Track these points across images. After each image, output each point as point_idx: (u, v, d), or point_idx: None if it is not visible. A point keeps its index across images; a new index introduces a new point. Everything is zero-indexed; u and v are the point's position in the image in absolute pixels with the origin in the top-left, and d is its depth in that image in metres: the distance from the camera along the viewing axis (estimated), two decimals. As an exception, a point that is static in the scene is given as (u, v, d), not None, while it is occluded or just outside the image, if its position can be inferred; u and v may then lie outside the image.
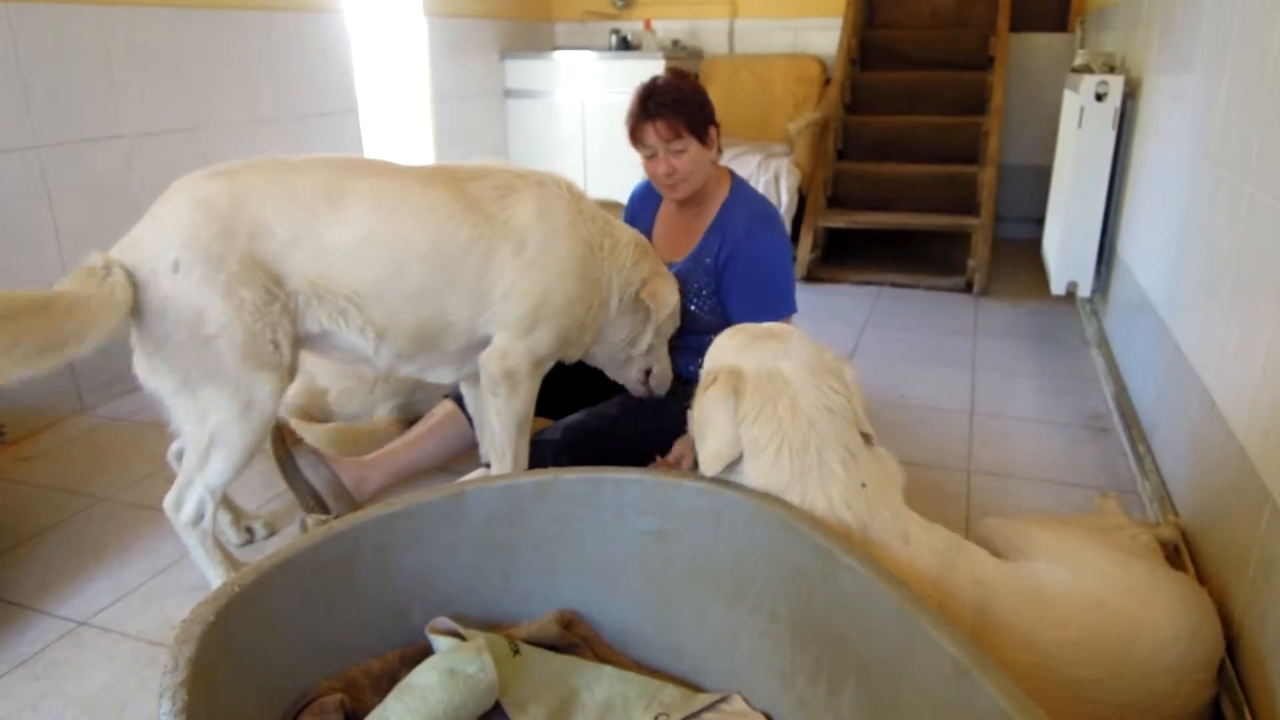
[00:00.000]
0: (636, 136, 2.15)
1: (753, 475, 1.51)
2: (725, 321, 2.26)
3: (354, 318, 1.86)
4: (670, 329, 2.25)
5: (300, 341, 1.89)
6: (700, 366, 2.29)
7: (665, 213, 2.37)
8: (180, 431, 1.83)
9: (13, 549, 2.14)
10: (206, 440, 1.80)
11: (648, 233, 2.37)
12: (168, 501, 1.85)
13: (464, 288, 1.91)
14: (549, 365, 2.07)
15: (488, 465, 2.35)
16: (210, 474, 1.82)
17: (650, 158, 2.16)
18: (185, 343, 1.72)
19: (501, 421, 2.03)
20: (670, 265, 2.27)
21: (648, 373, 2.27)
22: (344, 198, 1.83)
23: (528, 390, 2.02)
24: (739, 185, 2.30)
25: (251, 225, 1.76)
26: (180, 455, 2.06)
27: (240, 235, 1.75)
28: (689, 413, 1.62)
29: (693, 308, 2.27)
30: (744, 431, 1.50)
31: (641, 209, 2.45)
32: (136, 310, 1.71)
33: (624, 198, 2.58)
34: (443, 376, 2.08)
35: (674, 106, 2.10)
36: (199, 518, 1.84)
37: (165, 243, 1.71)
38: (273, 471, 2.36)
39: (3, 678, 1.71)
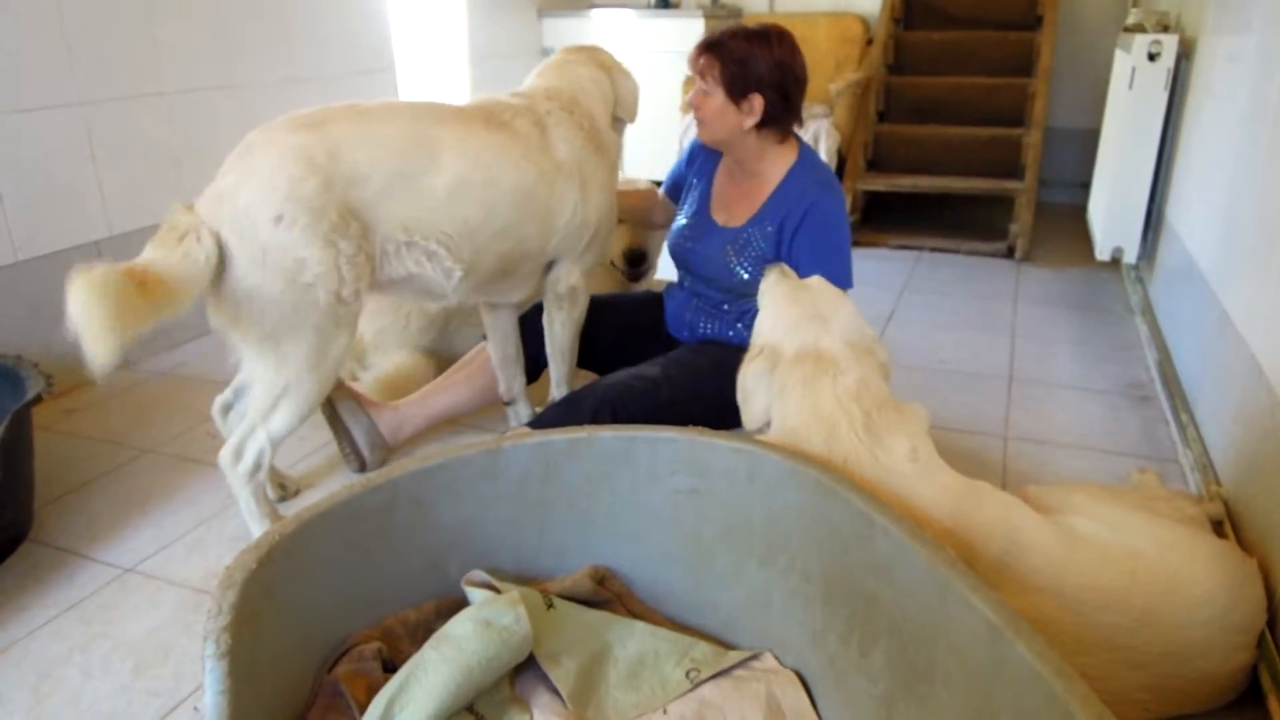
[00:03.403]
0: (692, 61, 2.16)
1: (779, 410, 1.63)
2: None
3: (442, 259, 1.95)
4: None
5: (373, 288, 1.94)
6: (739, 333, 2.30)
7: (725, 172, 2.33)
8: (251, 379, 1.86)
9: (61, 497, 2.20)
10: (281, 388, 1.83)
11: (705, 189, 2.35)
12: (225, 454, 1.87)
13: (537, 220, 2.07)
14: (596, 266, 2.33)
15: (508, 403, 2.43)
16: (276, 423, 1.85)
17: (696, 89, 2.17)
18: (280, 292, 1.75)
19: (565, 330, 2.30)
20: (729, 230, 2.25)
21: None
22: (435, 145, 1.90)
23: (585, 298, 2.29)
24: (807, 151, 2.25)
25: (348, 176, 1.79)
26: (226, 410, 2.10)
27: (339, 186, 1.78)
28: (738, 373, 1.75)
29: (746, 275, 2.23)
30: (776, 384, 1.65)
31: (702, 162, 2.40)
32: (223, 266, 1.73)
33: (657, 162, 2.56)
34: (511, 298, 2.26)
35: (721, 50, 2.09)
36: (257, 468, 1.87)
37: (266, 196, 1.72)
38: (307, 430, 2.41)
39: (53, 620, 1.77)
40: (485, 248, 2.00)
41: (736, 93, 2.09)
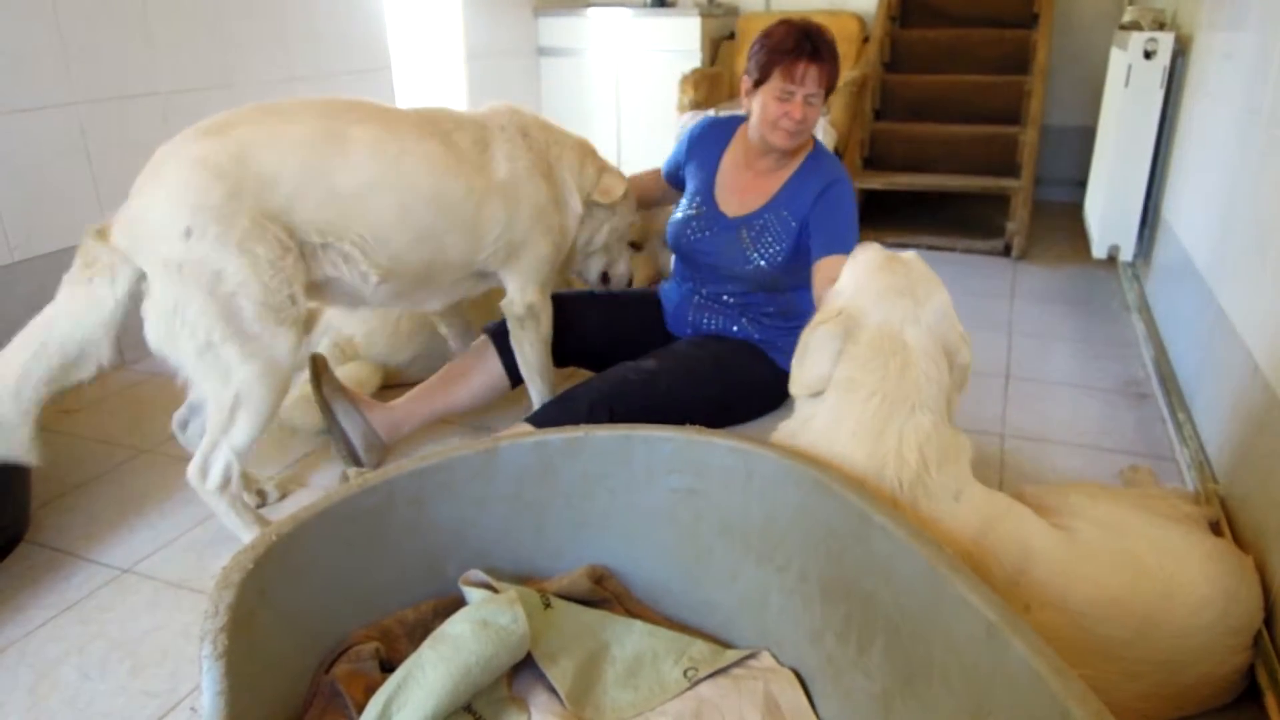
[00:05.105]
0: (790, 73, 2.07)
1: (834, 406, 1.51)
2: (783, 279, 2.24)
3: (358, 262, 1.93)
4: (625, 227, 2.45)
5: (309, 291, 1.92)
6: (744, 328, 2.30)
7: (733, 162, 2.32)
8: (202, 396, 1.85)
9: (58, 498, 2.19)
10: (231, 400, 1.81)
11: (709, 180, 2.33)
12: (192, 471, 1.85)
13: (461, 231, 2.04)
14: (552, 284, 2.30)
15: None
16: (236, 435, 1.83)
17: (784, 99, 2.10)
18: (205, 304, 1.73)
19: (534, 349, 2.27)
20: (741, 217, 2.25)
21: (604, 275, 2.52)
22: (344, 144, 1.87)
23: (549, 316, 2.26)
24: (818, 141, 2.28)
25: (257, 179, 1.77)
26: (184, 425, 2.09)
27: (248, 191, 1.76)
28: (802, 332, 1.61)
29: (763, 262, 2.22)
30: (843, 370, 1.50)
31: (703, 154, 2.38)
32: (147, 283, 1.74)
33: (653, 161, 2.55)
34: (431, 306, 2.26)
35: (833, 58, 2.09)
36: (226, 481, 1.85)
37: (173, 211, 1.71)
38: (286, 438, 2.44)
39: (50, 621, 1.76)
40: (403, 254, 1.97)
41: (831, 92, 2.14)
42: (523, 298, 2.19)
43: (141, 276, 1.75)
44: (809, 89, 2.08)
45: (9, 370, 1.69)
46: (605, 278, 2.52)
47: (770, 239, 2.20)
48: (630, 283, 2.58)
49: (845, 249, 2.09)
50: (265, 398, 1.83)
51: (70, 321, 1.73)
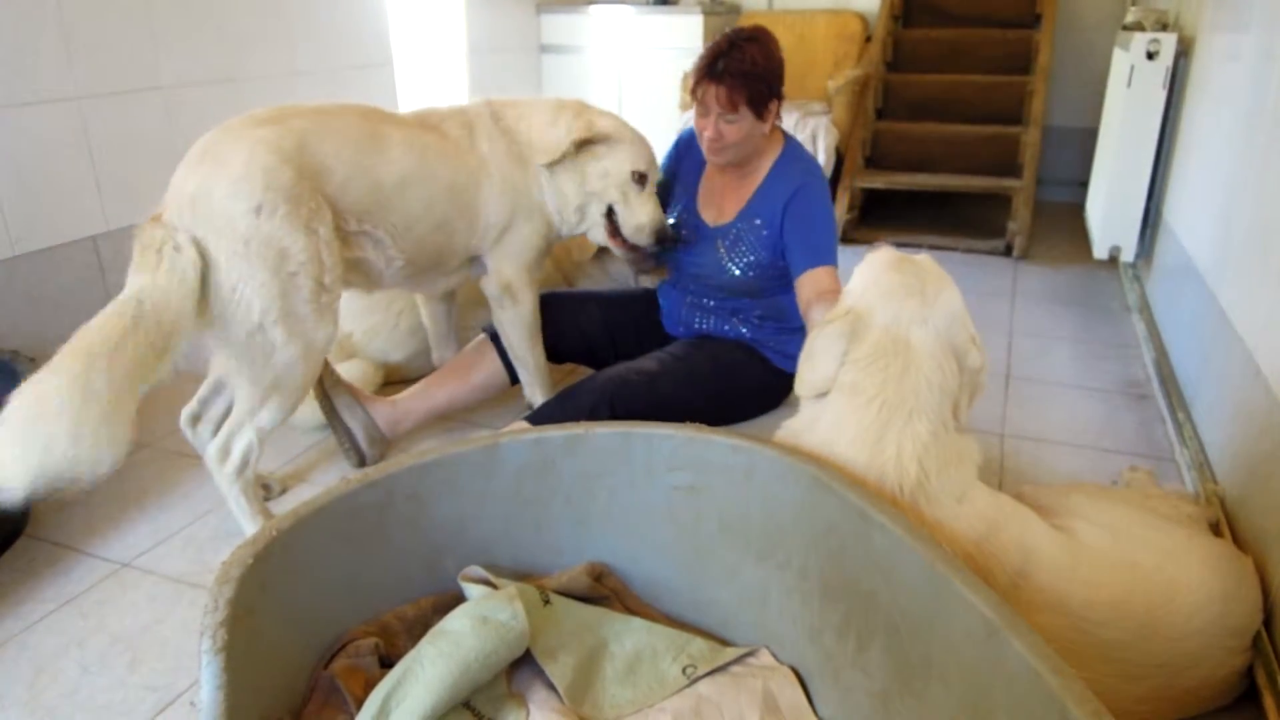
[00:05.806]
0: (695, 93, 2.12)
1: (837, 410, 1.49)
2: (763, 285, 2.24)
3: (386, 246, 2.02)
4: (623, 173, 2.23)
5: None
6: (735, 328, 2.31)
7: (713, 170, 2.33)
8: (233, 378, 1.86)
9: (57, 493, 2.19)
10: (270, 381, 1.83)
11: (692, 186, 2.35)
12: (211, 452, 1.86)
13: (467, 217, 2.15)
14: (539, 268, 2.32)
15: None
16: (264, 417, 1.86)
17: (702, 115, 2.13)
18: (266, 282, 1.75)
19: (515, 331, 2.29)
20: (719, 226, 2.26)
21: (614, 231, 2.30)
22: (385, 141, 1.98)
23: (529, 298, 2.27)
24: (792, 144, 2.26)
25: (316, 165, 1.85)
26: (194, 421, 2.08)
27: (309, 175, 1.83)
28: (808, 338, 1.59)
29: (737, 271, 2.24)
30: (847, 373, 1.48)
31: (688, 157, 2.39)
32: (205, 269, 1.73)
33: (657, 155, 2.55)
34: (429, 290, 2.34)
35: (741, 78, 2.04)
36: (245, 465, 1.87)
37: (241, 188, 1.73)
38: (288, 435, 2.43)
39: (50, 615, 1.76)
40: (424, 239, 2.08)
41: (760, 108, 2.09)
42: (498, 276, 2.24)
43: (203, 253, 1.72)
44: (716, 109, 2.08)
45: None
46: (616, 235, 2.29)
47: (744, 248, 2.21)
48: (675, 235, 2.33)
49: (825, 260, 2.11)
50: (301, 381, 1.87)
51: (159, 295, 1.62)
